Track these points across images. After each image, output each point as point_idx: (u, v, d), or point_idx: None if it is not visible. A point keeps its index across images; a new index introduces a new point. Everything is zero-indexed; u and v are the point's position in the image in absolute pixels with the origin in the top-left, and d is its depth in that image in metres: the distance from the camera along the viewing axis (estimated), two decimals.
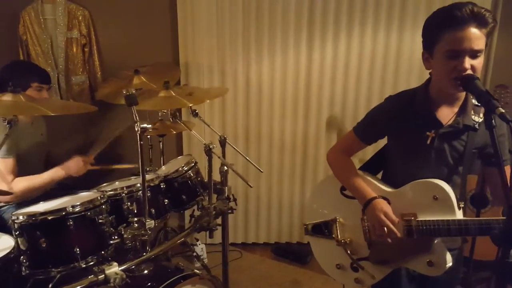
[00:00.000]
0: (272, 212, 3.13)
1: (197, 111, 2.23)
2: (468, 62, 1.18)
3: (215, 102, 2.91)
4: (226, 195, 2.16)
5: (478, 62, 1.21)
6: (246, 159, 2.14)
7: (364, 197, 1.38)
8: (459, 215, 1.29)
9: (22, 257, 1.48)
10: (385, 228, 1.32)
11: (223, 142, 2.20)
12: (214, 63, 2.82)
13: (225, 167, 2.11)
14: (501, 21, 2.71)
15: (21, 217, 1.46)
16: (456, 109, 1.32)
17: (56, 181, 2.10)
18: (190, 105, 1.97)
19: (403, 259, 1.38)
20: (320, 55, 2.79)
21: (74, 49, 2.81)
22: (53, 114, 1.51)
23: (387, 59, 2.76)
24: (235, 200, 2.21)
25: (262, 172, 2.32)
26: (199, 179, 2.08)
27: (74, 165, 2.13)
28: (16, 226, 1.48)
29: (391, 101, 1.43)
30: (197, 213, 2.03)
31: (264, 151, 3.01)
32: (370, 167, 1.55)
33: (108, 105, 2.53)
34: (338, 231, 1.51)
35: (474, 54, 1.19)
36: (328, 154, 1.56)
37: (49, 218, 1.46)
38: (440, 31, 1.22)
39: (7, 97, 1.43)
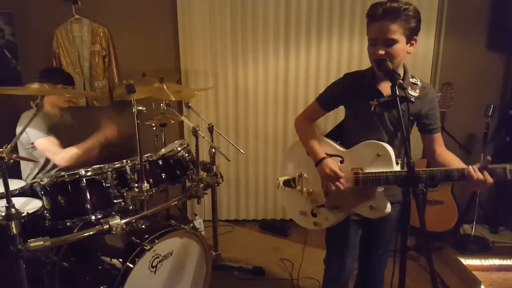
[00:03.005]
0: (259, 194, 3.21)
1: (189, 104, 2.41)
2: (381, 49, 1.29)
3: (210, 102, 3.04)
4: (214, 172, 2.34)
5: (393, 49, 1.28)
6: (227, 140, 2.30)
7: (316, 157, 1.48)
8: (396, 168, 1.36)
9: (45, 212, 1.63)
10: (333, 180, 1.42)
11: (211, 129, 2.37)
12: (208, 68, 2.95)
13: (213, 150, 2.29)
14: (447, 26, 2.78)
15: (45, 179, 1.61)
16: None
17: (98, 144, 2.19)
18: (174, 99, 2.11)
19: (351, 205, 1.47)
20: (295, 61, 2.91)
21: (97, 60, 2.99)
22: (68, 95, 1.69)
23: (351, 63, 2.87)
24: (221, 177, 2.36)
25: (243, 153, 2.46)
26: (190, 157, 2.19)
27: (107, 127, 2.24)
28: (40, 187, 1.63)
29: (346, 77, 1.52)
30: (188, 184, 2.18)
31: (251, 142, 3.09)
32: (331, 136, 1.63)
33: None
34: (302, 183, 1.60)
35: (387, 43, 1.28)
36: (295, 119, 1.63)
37: (66, 179, 1.62)
38: (367, 24, 1.36)
39: (35, 85, 1.63)
